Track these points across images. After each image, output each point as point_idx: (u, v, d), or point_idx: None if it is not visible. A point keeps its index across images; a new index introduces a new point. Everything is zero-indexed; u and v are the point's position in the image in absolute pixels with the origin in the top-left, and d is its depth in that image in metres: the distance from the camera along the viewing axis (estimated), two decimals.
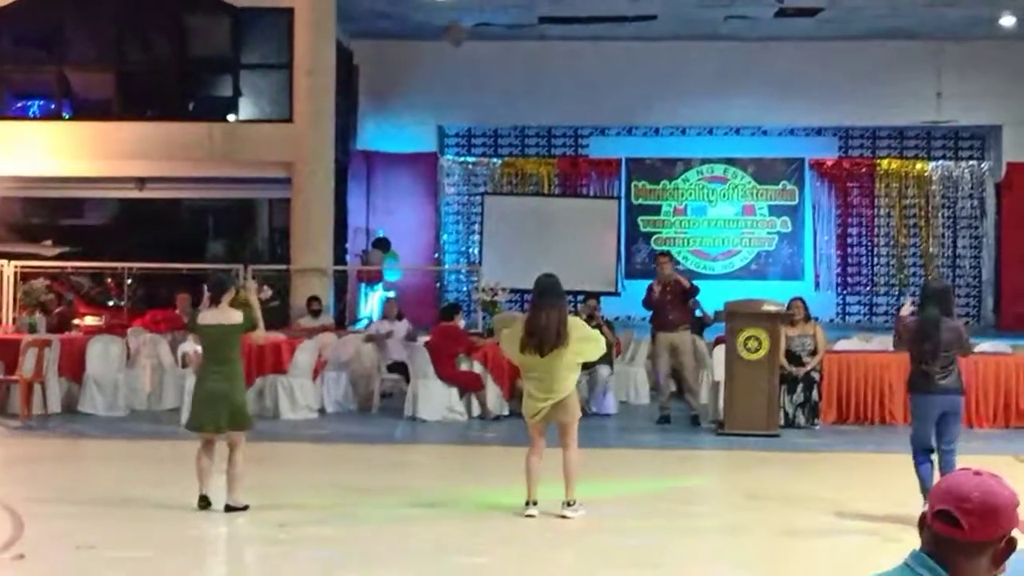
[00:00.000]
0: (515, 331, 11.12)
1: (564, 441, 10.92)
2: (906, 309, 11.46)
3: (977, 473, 3.11)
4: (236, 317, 11.08)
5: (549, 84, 28.44)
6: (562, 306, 11.03)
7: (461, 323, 18.60)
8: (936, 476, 10.50)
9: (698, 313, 19.24)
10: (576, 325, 11.02)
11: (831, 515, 11.13)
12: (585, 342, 10.93)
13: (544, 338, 10.73)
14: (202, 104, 27.90)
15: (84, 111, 27.19)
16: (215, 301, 11.15)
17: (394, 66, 28.86)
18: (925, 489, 10.65)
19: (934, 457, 10.80)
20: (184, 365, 16.38)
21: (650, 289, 17.62)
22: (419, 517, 10.99)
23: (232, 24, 26.88)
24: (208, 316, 11.09)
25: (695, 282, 18.11)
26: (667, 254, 19.16)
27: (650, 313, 17.75)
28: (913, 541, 3.20)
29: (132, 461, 14.56)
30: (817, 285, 30.17)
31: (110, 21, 26.95)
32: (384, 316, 21.77)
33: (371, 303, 27.17)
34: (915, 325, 10.95)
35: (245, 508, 10.90)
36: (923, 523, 3.15)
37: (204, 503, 10.86)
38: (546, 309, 10.86)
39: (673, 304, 17.30)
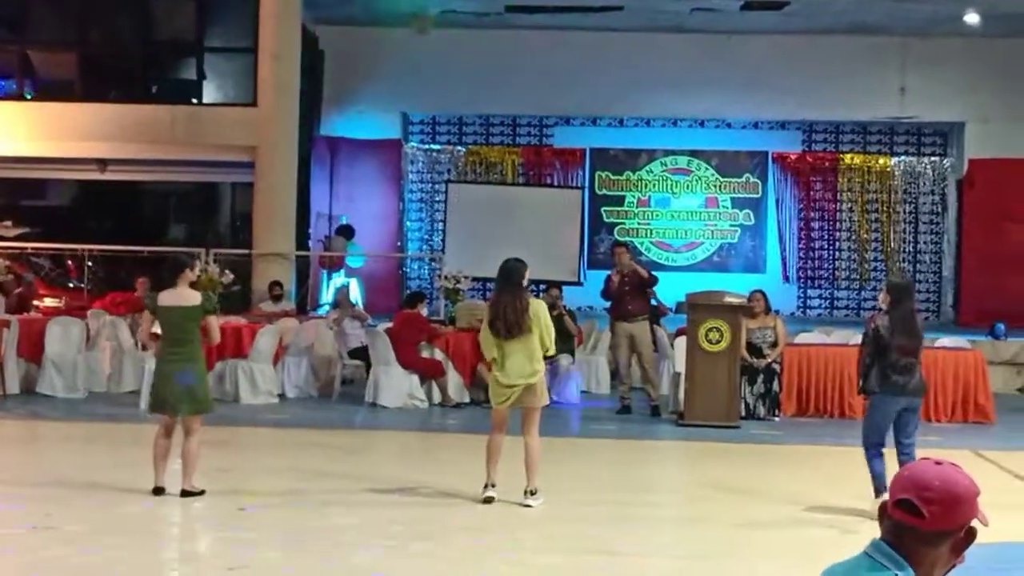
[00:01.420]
0: (485, 322, 11.18)
1: (526, 428, 10.94)
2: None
3: (938, 463, 3.13)
4: (194, 299, 11.01)
5: (515, 73, 28.39)
6: (520, 291, 11.02)
7: (424, 311, 18.58)
8: (888, 470, 10.61)
9: (653, 302, 19.26)
10: (540, 313, 11.01)
11: (790, 506, 11.18)
12: (546, 332, 10.94)
13: (507, 323, 10.79)
14: (165, 87, 27.79)
15: (47, 92, 27.05)
16: (171, 283, 11.07)
17: (359, 52, 28.74)
18: (880, 484, 10.70)
19: (884, 451, 10.85)
20: (144, 348, 16.31)
21: (608, 279, 17.61)
22: (379, 503, 10.98)
23: (196, 7, 26.84)
24: (166, 297, 11.01)
25: (656, 273, 18.12)
26: (624, 244, 19.14)
27: (609, 303, 17.77)
28: (871, 533, 3.22)
29: (91, 443, 14.52)
30: (786, 278, 30.25)
31: (74, 2, 26.83)
32: (337, 305, 21.72)
33: (332, 289, 27.11)
34: (892, 321, 10.90)
35: (201, 493, 10.87)
36: (883, 512, 3.16)
37: (159, 492, 10.83)
38: (505, 295, 10.93)
39: (632, 294, 17.29)
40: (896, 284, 11.39)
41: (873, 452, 10.83)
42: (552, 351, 11.24)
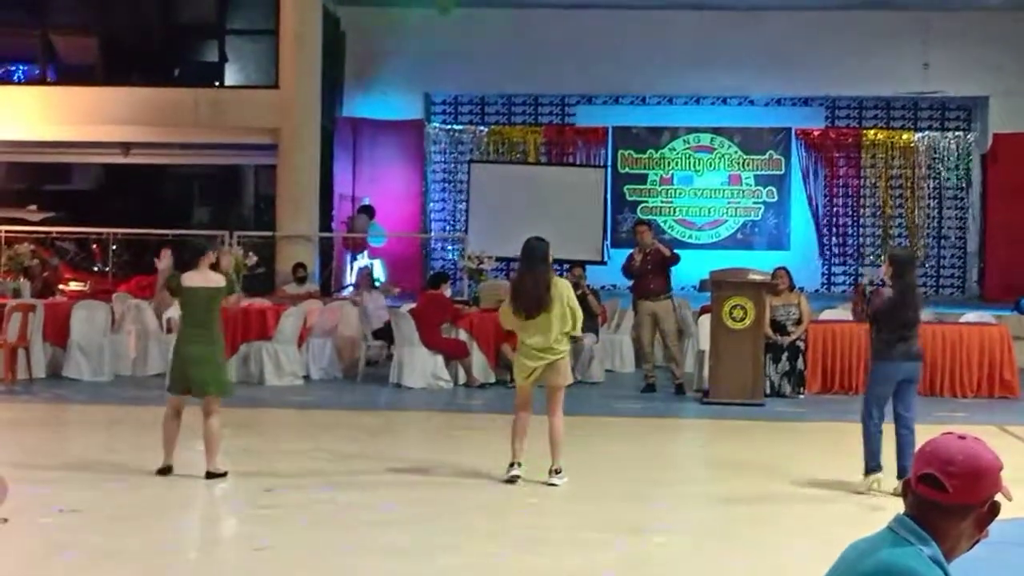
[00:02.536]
0: (507, 299, 11.19)
1: (551, 408, 10.96)
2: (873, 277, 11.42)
3: (961, 437, 3.12)
4: (218, 280, 11.09)
5: (536, 52, 28.35)
6: (543, 270, 11.02)
7: (448, 292, 18.56)
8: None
9: None
10: (563, 292, 10.99)
11: (814, 483, 11.17)
12: (569, 311, 10.93)
13: (528, 301, 10.80)
14: (188, 70, 27.84)
15: (69, 76, 27.12)
16: (193, 265, 11.10)
17: (381, 33, 28.73)
18: (874, 462, 10.72)
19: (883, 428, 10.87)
20: (169, 331, 16.36)
21: (631, 257, 17.58)
22: (403, 483, 11.01)
23: None
24: (191, 279, 11.05)
25: (679, 251, 18.11)
26: (646, 223, 19.14)
27: (632, 282, 17.75)
28: (896, 509, 3.21)
29: (116, 426, 14.57)
30: (823, 254, 30.22)
31: None
32: (357, 286, 21.76)
33: (355, 270, 27.13)
34: (895, 294, 10.91)
35: (224, 475, 10.91)
36: (907, 487, 3.16)
37: (164, 472, 10.89)
38: (528, 273, 10.94)
39: (654, 273, 17.27)
40: (898, 256, 11.39)
41: (873, 427, 10.81)
42: (577, 331, 11.21)
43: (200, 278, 11.02)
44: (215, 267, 11.49)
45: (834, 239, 30.58)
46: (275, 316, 18.12)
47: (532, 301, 10.84)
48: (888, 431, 10.82)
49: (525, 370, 10.97)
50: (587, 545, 9.00)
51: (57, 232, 25.77)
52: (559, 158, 30.68)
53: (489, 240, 23.32)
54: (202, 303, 10.99)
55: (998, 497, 3.09)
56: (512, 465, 10.92)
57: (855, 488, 10.79)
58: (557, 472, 10.89)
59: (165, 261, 11.45)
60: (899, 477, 10.62)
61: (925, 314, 17.86)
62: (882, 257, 29.30)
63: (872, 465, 10.77)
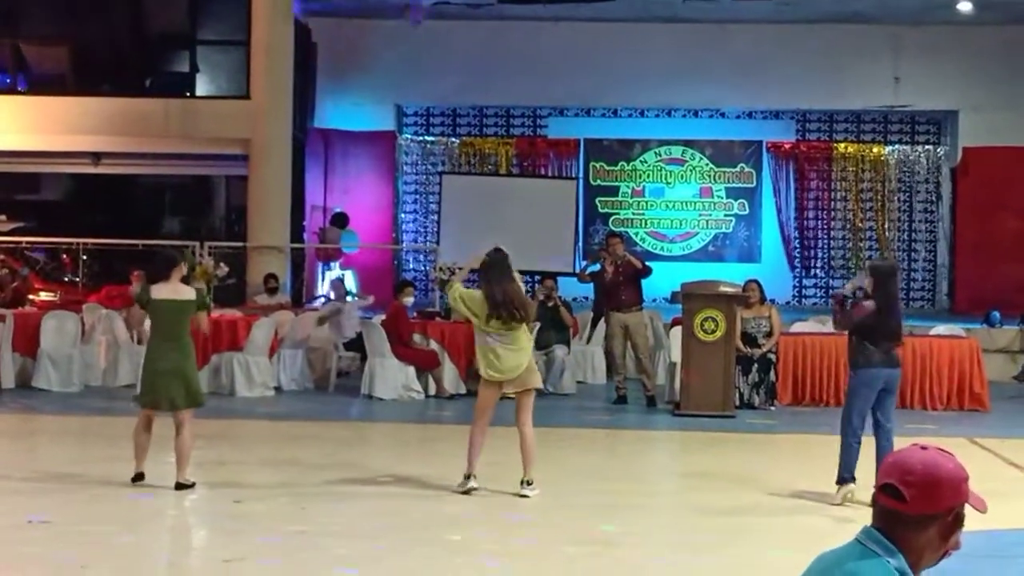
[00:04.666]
0: (475, 299, 11.10)
1: (521, 419, 10.96)
2: (852, 287, 11.37)
3: (924, 448, 3.13)
4: (188, 293, 11.03)
5: (508, 64, 28.37)
6: (516, 279, 11.07)
7: (409, 300, 18.42)
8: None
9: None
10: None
11: (785, 495, 11.20)
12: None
13: (509, 311, 10.79)
14: (159, 80, 27.74)
15: (39, 85, 27.00)
16: (164, 277, 11.06)
17: (352, 44, 28.71)
18: (848, 473, 10.75)
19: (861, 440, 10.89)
20: (140, 341, 16.30)
21: (602, 269, 17.68)
22: (375, 495, 11.00)
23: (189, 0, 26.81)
24: (161, 291, 11.00)
25: (650, 263, 18.10)
26: (618, 235, 19.17)
27: (594, 292, 17.77)
28: (866, 521, 3.22)
29: (86, 437, 14.52)
30: (793, 267, 30.27)
31: None
32: (335, 296, 21.74)
33: (328, 281, 27.06)
34: (877, 304, 10.88)
35: (192, 485, 10.88)
36: (875, 499, 3.17)
37: (138, 479, 10.89)
38: (502, 283, 10.91)
39: (625, 285, 17.30)
40: (879, 266, 11.33)
41: (852, 437, 10.82)
42: (530, 322, 11.34)
43: (169, 290, 10.97)
44: (188, 277, 11.47)
45: (805, 252, 30.65)
46: (246, 327, 18.07)
47: (514, 310, 10.84)
48: (868, 443, 10.84)
49: (496, 372, 10.95)
50: (558, 557, 9.00)
51: (27, 242, 25.64)
52: (531, 170, 30.67)
53: (460, 251, 23.14)
54: (171, 316, 10.94)
55: (968, 508, 3.10)
56: (468, 477, 10.94)
57: (829, 499, 10.83)
58: (529, 483, 10.89)
59: (137, 285, 11.43)
60: None
61: None
62: (854, 269, 29.42)
63: (846, 476, 10.79)
